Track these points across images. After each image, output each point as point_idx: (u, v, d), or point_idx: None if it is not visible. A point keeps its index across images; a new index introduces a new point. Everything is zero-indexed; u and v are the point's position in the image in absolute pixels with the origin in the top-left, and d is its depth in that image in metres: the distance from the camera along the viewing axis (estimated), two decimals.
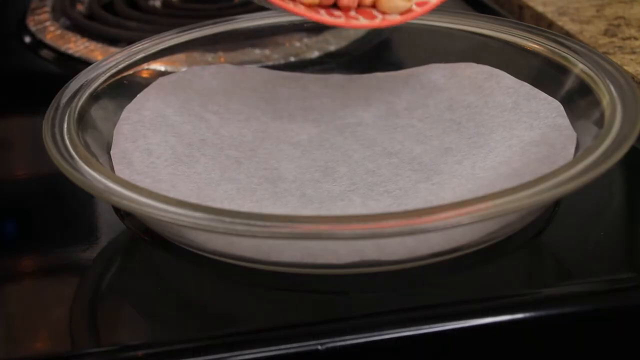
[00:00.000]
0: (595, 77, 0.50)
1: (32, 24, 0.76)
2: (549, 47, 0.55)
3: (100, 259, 0.47)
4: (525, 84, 0.55)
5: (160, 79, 0.57)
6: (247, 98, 0.58)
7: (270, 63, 0.64)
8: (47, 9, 0.79)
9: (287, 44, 0.65)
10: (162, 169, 0.50)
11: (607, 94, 0.49)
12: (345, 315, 0.43)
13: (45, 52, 0.73)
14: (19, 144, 0.63)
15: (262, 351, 0.40)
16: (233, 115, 0.57)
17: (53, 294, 0.46)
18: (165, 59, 0.60)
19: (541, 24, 0.72)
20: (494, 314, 0.42)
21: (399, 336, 0.41)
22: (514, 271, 0.46)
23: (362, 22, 0.51)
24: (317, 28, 0.66)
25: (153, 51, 0.58)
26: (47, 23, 0.76)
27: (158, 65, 0.60)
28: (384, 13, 0.52)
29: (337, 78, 0.60)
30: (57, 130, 0.48)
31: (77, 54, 0.71)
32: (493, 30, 0.58)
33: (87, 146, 0.47)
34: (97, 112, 0.52)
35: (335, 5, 0.51)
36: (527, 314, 0.43)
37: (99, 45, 0.71)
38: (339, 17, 0.51)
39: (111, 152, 0.51)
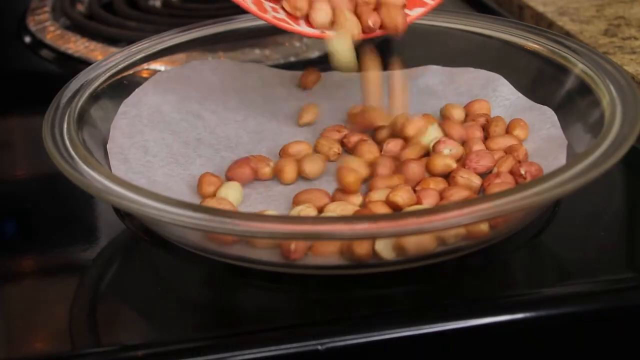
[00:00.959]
0: (595, 77, 0.51)
1: (32, 24, 0.76)
2: (549, 47, 0.55)
3: (100, 259, 0.47)
4: (520, 94, 0.55)
5: (159, 73, 0.57)
6: (244, 97, 0.58)
7: (270, 63, 0.64)
8: (47, 9, 0.78)
9: (287, 44, 0.65)
10: (157, 169, 0.50)
11: (607, 94, 0.49)
12: (345, 315, 0.43)
13: (45, 52, 0.73)
14: (19, 144, 0.63)
15: (262, 351, 0.40)
16: (230, 114, 0.57)
17: (53, 294, 0.46)
18: (165, 59, 0.60)
19: (541, 24, 0.72)
20: (494, 314, 0.42)
21: (399, 336, 0.41)
22: (514, 271, 0.46)
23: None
24: None
25: (153, 51, 0.58)
26: (47, 23, 0.76)
27: (158, 65, 0.60)
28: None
29: (336, 78, 0.60)
30: (57, 130, 0.48)
31: (77, 54, 0.71)
32: (493, 30, 0.58)
33: (86, 146, 0.47)
34: (96, 112, 0.52)
35: None
36: (527, 314, 0.43)
37: (99, 45, 0.71)
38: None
39: (107, 146, 0.51)
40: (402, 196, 0.46)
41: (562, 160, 0.49)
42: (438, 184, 0.48)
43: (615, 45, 0.65)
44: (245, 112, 0.57)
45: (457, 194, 0.46)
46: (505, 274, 0.46)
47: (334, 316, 0.43)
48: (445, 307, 0.43)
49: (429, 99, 0.57)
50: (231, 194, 0.48)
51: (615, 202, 0.52)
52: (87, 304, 0.45)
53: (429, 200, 0.46)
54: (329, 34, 0.51)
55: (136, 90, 0.55)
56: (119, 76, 0.55)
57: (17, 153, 0.62)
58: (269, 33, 0.64)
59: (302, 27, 0.51)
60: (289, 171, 0.50)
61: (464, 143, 0.52)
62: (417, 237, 0.42)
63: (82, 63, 0.69)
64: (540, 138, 0.52)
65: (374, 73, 0.53)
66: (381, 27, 0.52)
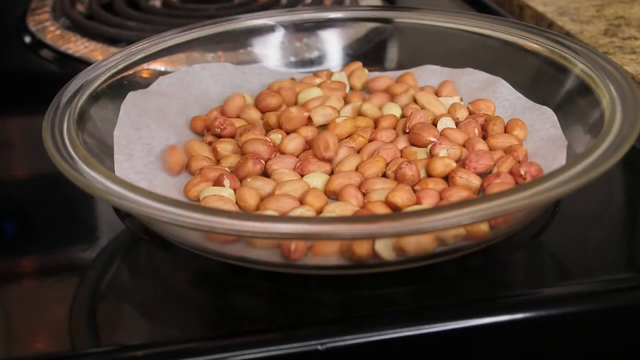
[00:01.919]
0: (595, 77, 0.51)
1: (32, 24, 0.76)
2: (549, 47, 0.55)
3: (100, 259, 0.47)
4: (520, 94, 0.56)
5: (160, 79, 0.57)
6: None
7: (270, 63, 0.64)
8: (47, 9, 0.79)
9: (287, 44, 0.65)
10: (158, 173, 0.50)
11: (607, 94, 0.49)
12: (345, 315, 0.43)
13: (45, 52, 0.73)
14: (19, 144, 0.63)
15: (262, 351, 0.40)
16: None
17: (53, 294, 0.46)
18: (165, 59, 0.60)
19: (541, 24, 0.72)
20: (494, 314, 0.42)
21: (399, 336, 0.41)
22: (514, 271, 0.46)
23: None
24: (317, 28, 0.66)
25: (153, 51, 0.58)
26: (47, 23, 0.76)
27: (158, 65, 0.60)
28: None
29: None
30: (57, 130, 0.48)
31: (77, 54, 0.71)
32: (493, 30, 0.58)
33: (86, 146, 0.47)
34: (97, 112, 0.52)
35: None
36: (527, 314, 0.43)
37: (99, 45, 0.71)
38: None
39: (114, 132, 0.51)
40: (402, 196, 0.46)
41: (562, 160, 0.49)
42: (437, 184, 0.48)
43: (615, 45, 0.65)
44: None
45: (456, 195, 0.46)
46: (505, 274, 0.46)
47: (334, 316, 0.43)
48: (445, 307, 0.43)
49: None
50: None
51: (615, 202, 0.52)
52: (87, 304, 0.45)
53: (428, 201, 0.46)
54: None
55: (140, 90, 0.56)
56: (119, 76, 0.55)
57: (17, 153, 0.62)
58: (269, 33, 0.64)
59: None
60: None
61: (464, 142, 0.52)
62: (417, 237, 0.42)
63: (82, 63, 0.69)
64: (540, 138, 0.52)
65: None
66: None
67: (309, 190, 0.48)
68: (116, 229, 0.49)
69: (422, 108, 0.55)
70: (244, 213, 0.45)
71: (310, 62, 0.65)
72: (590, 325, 0.44)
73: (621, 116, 0.46)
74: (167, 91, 0.57)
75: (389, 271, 0.44)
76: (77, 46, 0.72)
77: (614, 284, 0.44)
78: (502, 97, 0.56)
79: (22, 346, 0.42)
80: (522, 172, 0.48)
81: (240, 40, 0.63)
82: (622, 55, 0.63)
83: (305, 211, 0.46)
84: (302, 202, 0.47)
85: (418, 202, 0.46)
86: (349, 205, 0.46)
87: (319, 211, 0.47)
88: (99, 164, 0.46)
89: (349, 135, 0.53)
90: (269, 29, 0.63)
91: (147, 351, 0.41)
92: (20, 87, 0.69)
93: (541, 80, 0.56)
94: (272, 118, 0.55)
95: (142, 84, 0.57)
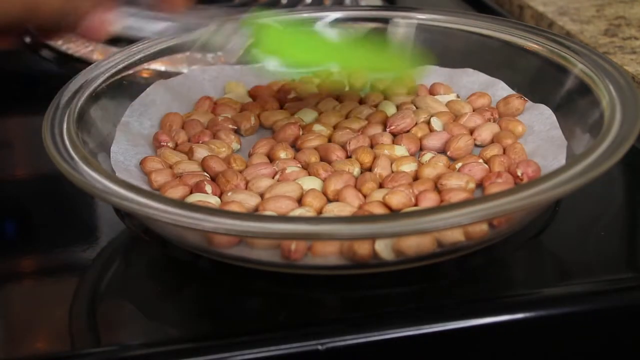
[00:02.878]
0: (595, 77, 0.51)
1: None
2: (549, 47, 0.55)
3: (100, 259, 0.47)
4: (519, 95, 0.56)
5: (160, 82, 0.57)
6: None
7: (270, 63, 0.64)
8: None
9: None
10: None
11: (606, 94, 0.49)
12: (345, 315, 0.43)
13: (45, 52, 0.73)
14: (19, 144, 0.63)
15: (262, 351, 0.40)
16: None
17: (53, 294, 0.46)
18: (165, 59, 0.60)
19: (541, 24, 0.72)
20: (494, 314, 0.42)
21: (399, 336, 0.41)
22: (514, 271, 0.46)
23: None
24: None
25: (153, 51, 0.58)
26: None
27: (158, 65, 0.60)
28: None
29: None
30: (57, 130, 0.47)
31: (77, 54, 0.71)
32: (493, 30, 0.58)
33: (86, 146, 0.47)
34: (96, 112, 0.52)
35: None
36: (527, 314, 0.43)
37: (99, 45, 0.71)
38: None
39: (112, 149, 0.51)
40: (399, 199, 0.46)
41: (561, 160, 0.49)
42: (433, 185, 0.48)
43: (615, 45, 0.65)
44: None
45: (455, 196, 0.46)
46: (505, 274, 0.46)
47: (334, 316, 0.43)
48: (445, 307, 0.43)
49: None
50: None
51: (615, 202, 0.52)
52: (87, 304, 0.45)
53: (426, 203, 0.46)
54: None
55: (141, 95, 0.55)
56: (119, 76, 0.55)
57: (17, 153, 0.62)
58: None
59: None
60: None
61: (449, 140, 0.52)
62: (417, 237, 0.42)
63: (82, 63, 0.69)
64: (539, 138, 0.52)
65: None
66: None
67: (309, 190, 0.48)
68: (116, 229, 0.49)
69: (417, 107, 0.56)
70: (244, 213, 0.45)
71: None
72: (590, 325, 0.44)
73: (621, 116, 0.46)
74: (164, 99, 0.57)
75: (388, 271, 0.44)
76: (77, 46, 0.72)
77: (614, 284, 0.44)
78: (502, 99, 0.56)
79: (22, 346, 0.42)
80: (519, 174, 0.48)
81: None
82: (622, 55, 0.63)
83: (305, 211, 0.46)
84: (301, 202, 0.47)
85: (416, 205, 0.46)
86: (348, 206, 0.46)
87: (319, 211, 0.47)
88: (98, 164, 0.46)
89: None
90: None
91: (147, 351, 0.41)
92: (20, 87, 0.69)
93: (541, 80, 0.56)
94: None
95: (142, 84, 0.57)
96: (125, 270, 0.48)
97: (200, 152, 0.52)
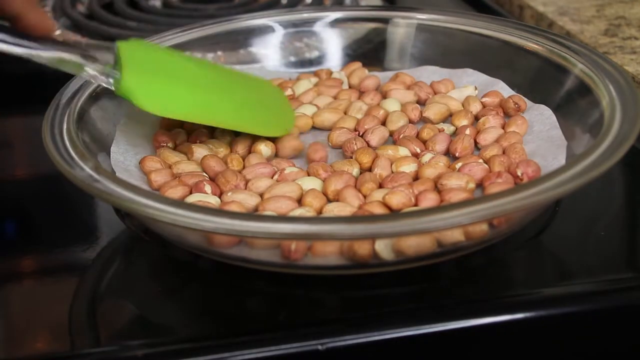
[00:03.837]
0: (595, 78, 0.51)
1: None
2: (549, 47, 0.55)
3: (100, 259, 0.47)
4: (520, 96, 0.56)
5: None
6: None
7: (270, 63, 0.64)
8: (48, 8, 0.79)
9: (287, 44, 0.65)
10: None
11: (606, 94, 0.49)
12: (345, 315, 0.43)
13: None
14: (19, 144, 0.63)
15: (262, 351, 0.40)
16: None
17: (53, 294, 0.46)
18: None
19: (541, 24, 0.72)
20: (494, 314, 0.42)
21: (399, 336, 0.41)
22: (514, 271, 0.46)
23: None
24: (317, 28, 0.66)
25: None
26: None
27: None
28: None
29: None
30: (56, 130, 0.48)
31: None
32: (493, 30, 0.58)
33: (86, 146, 0.47)
34: (96, 112, 0.52)
35: None
36: (527, 314, 0.43)
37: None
38: None
39: (112, 149, 0.51)
40: (398, 199, 0.46)
41: (561, 160, 0.49)
42: (433, 185, 0.48)
43: (615, 45, 0.65)
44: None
45: (455, 196, 0.46)
46: (505, 274, 0.46)
47: (334, 316, 0.43)
48: (445, 307, 0.43)
49: None
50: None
51: (615, 202, 0.52)
52: (87, 304, 0.45)
53: (426, 203, 0.46)
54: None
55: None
56: None
57: (17, 153, 0.62)
58: (269, 33, 0.64)
59: None
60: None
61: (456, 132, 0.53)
62: (417, 237, 0.42)
63: None
64: (539, 138, 0.52)
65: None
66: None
67: (309, 190, 0.48)
68: (116, 229, 0.49)
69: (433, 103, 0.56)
70: (244, 213, 0.45)
71: (310, 62, 0.65)
72: (590, 325, 0.44)
73: (621, 116, 0.46)
74: None
75: (388, 271, 0.44)
76: None
77: (614, 284, 0.44)
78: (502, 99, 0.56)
79: (22, 346, 0.42)
80: (519, 174, 0.48)
81: (240, 40, 0.63)
82: (622, 55, 0.63)
83: (305, 211, 0.46)
84: (301, 202, 0.47)
85: (416, 205, 0.46)
86: (348, 206, 0.46)
87: (319, 211, 0.47)
88: (98, 164, 0.46)
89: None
90: (269, 29, 0.63)
91: (147, 351, 0.41)
92: (20, 87, 0.69)
93: (541, 80, 0.56)
94: None
95: None
96: (125, 270, 0.48)
97: (200, 152, 0.52)
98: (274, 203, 0.47)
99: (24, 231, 0.51)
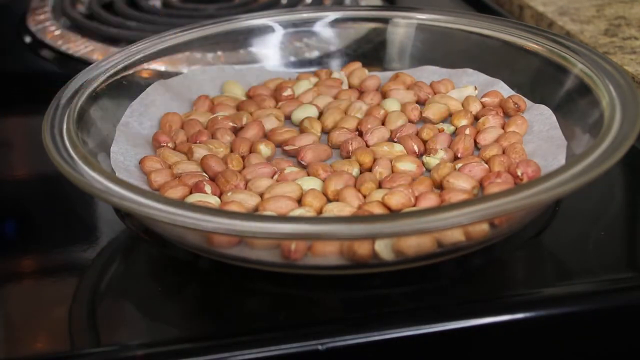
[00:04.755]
0: (595, 78, 0.51)
1: (32, 24, 0.76)
2: (549, 47, 0.55)
3: (100, 259, 0.47)
4: (519, 95, 0.56)
5: (161, 82, 0.57)
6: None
7: (270, 63, 0.64)
8: (48, 9, 0.79)
9: (287, 44, 0.65)
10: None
11: (606, 94, 0.49)
12: (345, 315, 0.43)
13: (45, 52, 0.73)
14: (19, 144, 0.63)
15: (262, 351, 0.40)
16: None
17: (53, 294, 0.46)
18: (165, 59, 0.60)
19: (541, 24, 0.72)
20: (494, 314, 0.42)
21: (399, 336, 0.41)
22: (514, 271, 0.46)
23: None
24: (317, 28, 0.66)
25: (153, 51, 0.58)
26: (48, 23, 0.76)
27: (158, 65, 0.60)
28: None
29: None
30: (56, 130, 0.48)
31: (77, 54, 0.71)
32: (493, 30, 0.58)
33: (86, 146, 0.47)
34: (96, 112, 0.52)
35: None
36: (527, 314, 0.43)
37: (99, 45, 0.71)
38: None
39: (112, 149, 0.51)
40: (398, 199, 0.46)
41: (561, 160, 0.49)
42: (433, 185, 0.48)
43: (615, 45, 0.65)
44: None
45: (455, 196, 0.46)
46: (505, 274, 0.46)
47: (334, 316, 0.43)
48: (445, 307, 0.43)
49: None
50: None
51: (615, 202, 0.52)
52: (87, 304, 0.45)
53: (426, 203, 0.46)
54: None
55: (141, 95, 0.55)
56: (119, 76, 0.55)
57: (17, 153, 0.62)
58: (269, 33, 0.64)
59: None
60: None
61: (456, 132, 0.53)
62: (416, 237, 0.42)
63: (82, 63, 0.69)
64: (539, 138, 0.52)
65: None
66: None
67: (309, 190, 0.48)
68: (116, 229, 0.49)
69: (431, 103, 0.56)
70: (244, 213, 0.45)
71: (310, 62, 0.65)
72: (590, 325, 0.44)
73: (621, 116, 0.46)
74: (164, 99, 0.57)
75: (388, 271, 0.44)
76: (77, 46, 0.72)
77: (614, 284, 0.44)
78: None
79: (22, 346, 0.42)
80: (519, 174, 0.48)
81: (240, 40, 0.63)
82: (622, 55, 0.63)
83: (305, 211, 0.46)
84: (301, 202, 0.47)
85: (416, 205, 0.46)
86: (348, 206, 0.46)
87: (319, 211, 0.47)
88: (98, 164, 0.46)
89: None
90: (269, 29, 0.63)
91: (147, 351, 0.41)
92: (20, 87, 0.69)
93: (541, 80, 0.56)
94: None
95: (142, 84, 0.57)
96: (125, 270, 0.48)
97: (200, 152, 0.52)
98: (274, 203, 0.46)
99: (24, 231, 0.51)
